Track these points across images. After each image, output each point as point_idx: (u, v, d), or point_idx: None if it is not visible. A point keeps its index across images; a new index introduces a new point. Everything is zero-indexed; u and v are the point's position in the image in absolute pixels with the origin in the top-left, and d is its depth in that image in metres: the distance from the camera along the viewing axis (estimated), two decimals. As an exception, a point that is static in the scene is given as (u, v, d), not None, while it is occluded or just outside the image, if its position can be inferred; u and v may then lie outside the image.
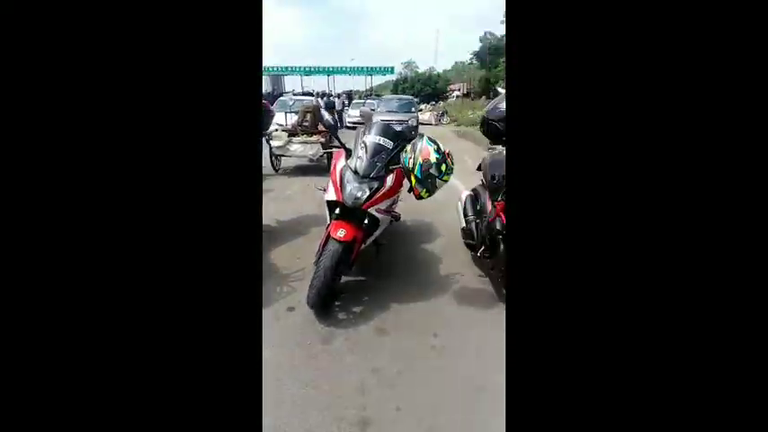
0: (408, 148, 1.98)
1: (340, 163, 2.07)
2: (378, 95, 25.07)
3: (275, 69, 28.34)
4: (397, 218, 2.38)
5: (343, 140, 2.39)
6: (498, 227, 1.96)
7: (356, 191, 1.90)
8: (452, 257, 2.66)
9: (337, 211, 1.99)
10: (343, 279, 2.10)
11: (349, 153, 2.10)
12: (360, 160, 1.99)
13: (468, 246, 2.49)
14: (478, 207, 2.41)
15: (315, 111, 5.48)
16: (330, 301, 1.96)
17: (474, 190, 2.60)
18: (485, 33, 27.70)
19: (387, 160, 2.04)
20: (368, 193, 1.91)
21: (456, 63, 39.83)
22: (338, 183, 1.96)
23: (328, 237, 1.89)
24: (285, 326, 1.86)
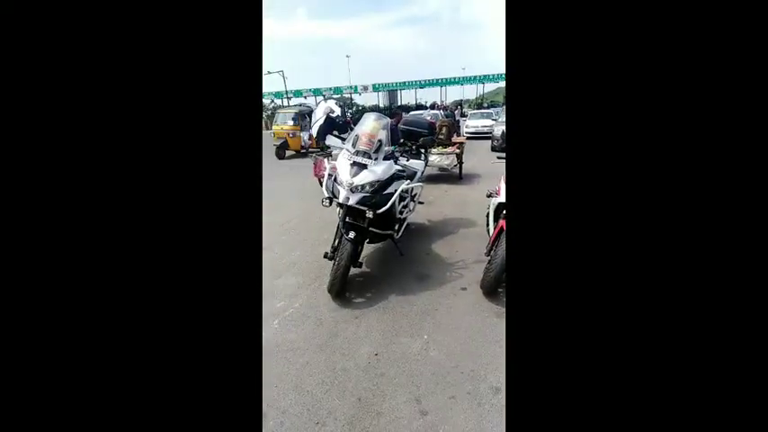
0: None
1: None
2: (486, 105, 24.63)
3: (392, 85, 30.37)
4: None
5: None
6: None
7: None
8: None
9: (504, 211, 2.44)
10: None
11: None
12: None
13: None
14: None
15: (450, 125, 6.06)
16: (497, 287, 2.40)
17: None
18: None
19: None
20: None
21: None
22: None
23: (500, 232, 2.34)
24: (462, 302, 2.38)
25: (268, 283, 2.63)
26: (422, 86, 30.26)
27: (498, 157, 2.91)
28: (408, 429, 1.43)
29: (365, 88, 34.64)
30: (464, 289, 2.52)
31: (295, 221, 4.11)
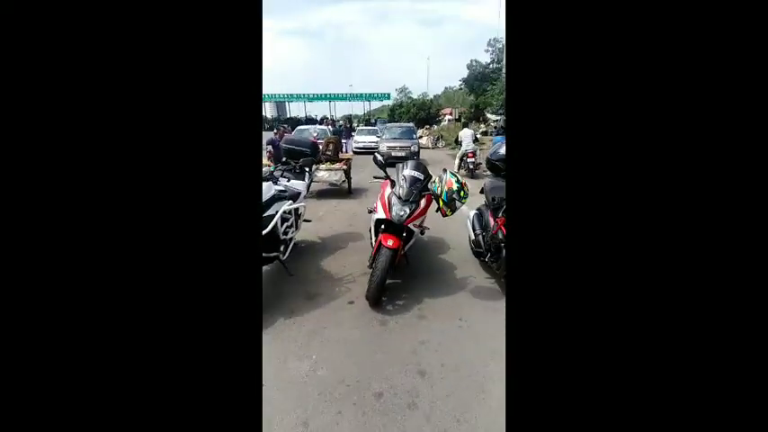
0: (436, 179, 2.71)
1: (387, 191, 2.77)
2: (374, 121, 26.10)
3: (280, 96, 29.53)
4: (423, 231, 3.06)
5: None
6: (500, 237, 2.68)
7: (400, 211, 2.59)
8: (464, 264, 3.33)
9: (383, 226, 2.67)
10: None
11: (393, 183, 2.80)
12: (401, 189, 2.69)
13: (476, 254, 3.18)
14: (483, 223, 3.10)
15: (336, 141, 6.25)
16: (380, 296, 2.60)
17: (479, 209, 3.30)
18: (471, 61, 29.03)
19: (420, 188, 2.74)
20: (408, 213, 2.60)
21: (446, 89, 41.64)
22: (387, 205, 2.65)
23: (380, 246, 2.55)
24: (350, 315, 2.50)
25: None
26: (311, 100, 30.30)
27: (375, 177, 3.16)
28: (295, 453, 1.45)
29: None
30: (351, 303, 2.64)
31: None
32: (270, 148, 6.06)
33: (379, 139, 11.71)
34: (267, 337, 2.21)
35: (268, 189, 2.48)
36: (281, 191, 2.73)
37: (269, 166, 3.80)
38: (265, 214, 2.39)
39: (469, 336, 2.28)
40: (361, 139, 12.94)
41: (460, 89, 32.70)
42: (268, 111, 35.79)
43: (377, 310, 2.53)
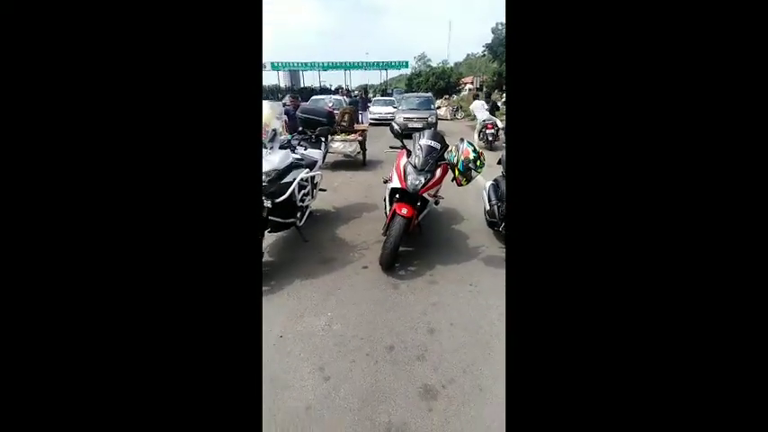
0: (452, 148, 2.72)
1: (402, 160, 2.80)
2: (390, 91, 25.48)
3: (294, 65, 29.06)
4: (437, 202, 3.10)
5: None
6: None
7: (415, 180, 2.63)
8: (477, 234, 3.37)
9: (397, 195, 2.73)
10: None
11: (409, 153, 2.83)
12: (417, 158, 2.71)
13: (490, 224, 3.21)
14: (499, 194, 3.11)
15: (351, 112, 6.22)
16: (393, 262, 2.70)
17: (495, 180, 3.30)
18: (496, 24, 27.43)
19: (437, 158, 2.76)
20: (423, 182, 2.64)
21: (468, 56, 39.92)
22: (402, 175, 2.69)
23: (394, 213, 2.62)
24: (363, 279, 2.61)
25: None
26: (325, 68, 29.62)
27: (391, 147, 3.18)
28: (313, 394, 1.60)
29: (263, 66, 32.47)
30: (365, 267, 2.76)
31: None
32: (285, 117, 6.10)
33: (395, 109, 11.51)
34: (284, 295, 2.36)
35: (285, 157, 2.55)
36: (297, 159, 2.80)
37: (285, 135, 3.86)
38: (283, 181, 2.48)
39: (479, 299, 2.36)
40: (377, 109, 12.74)
41: (483, 56, 31.26)
42: (281, 80, 35.38)
43: (389, 274, 2.64)
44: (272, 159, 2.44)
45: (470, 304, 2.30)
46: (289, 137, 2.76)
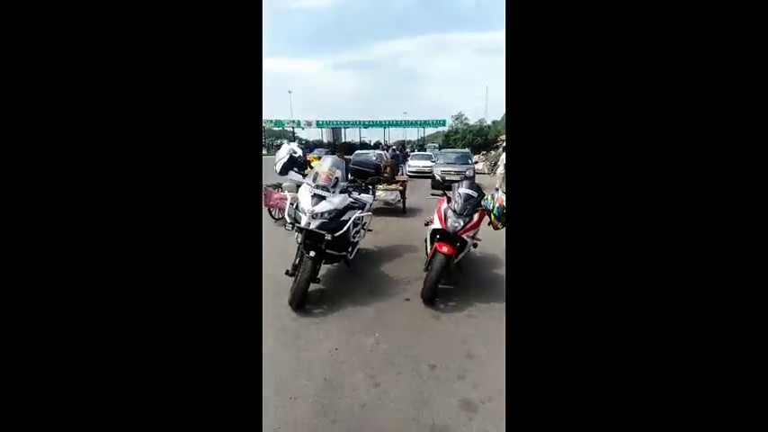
0: (489, 196, 3.06)
1: (443, 206, 3.16)
2: (423, 145, 26.54)
3: (335, 123, 31.67)
4: (475, 245, 3.37)
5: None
6: None
7: (455, 222, 2.96)
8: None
9: (438, 236, 3.05)
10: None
11: (449, 200, 3.19)
12: (457, 204, 3.07)
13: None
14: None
15: (393, 165, 6.83)
16: (434, 296, 2.94)
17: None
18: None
19: (474, 204, 3.09)
20: (462, 224, 2.95)
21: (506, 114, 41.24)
22: (443, 218, 3.03)
23: (435, 251, 2.92)
24: (406, 309, 2.86)
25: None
26: (365, 126, 32.05)
27: (432, 194, 3.57)
28: (366, 396, 1.83)
29: (309, 123, 35.63)
30: (408, 300, 3.01)
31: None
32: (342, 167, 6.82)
33: (433, 163, 12.18)
34: (336, 317, 2.65)
35: (344, 199, 3.00)
36: (352, 201, 3.24)
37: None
38: (341, 219, 2.90)
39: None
40: (414, 163, 13.50)
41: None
42: (324, 136, 38.33)
43: (430, 307, 2.87)
44: (334, 201, 2.88)
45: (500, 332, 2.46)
46: (344, 184, 3.23)
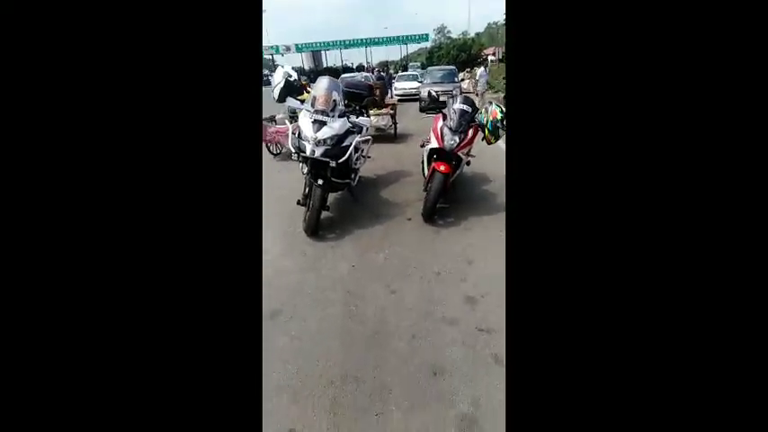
0: (482, 110, 3.12)
1: (439, 123, 3.23)
2: (407, 65, 25.05)
3: (317, 45, 29.16)
4: (468, 162, 3.53)
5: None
6: None
7: (451, 140, 3.07)
8: (503, 192, 3.78)
9: (435, 156, 3.17)
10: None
11: (444, 117, 3.25)
12: (452, 120, 3.14)
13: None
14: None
15: (382, 87, 6.59)
16: (433, 214, 3.17)
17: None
18: (520, -10, 26.11)
19: (469, 119, 3.17)
20: (458, 141, 3.07)
21: (489, 25, 38.49)
22: (440, 136, 3.13)
23: (433, 171, 3.07)
24: (409, 228, 3.12)
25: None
26: (346, 47, 29.62)
27: (427, 112, 3.60)
28: (384, 301, 2.15)
29: (287, 48, 32.74)
30: (409, 219, 3.26)
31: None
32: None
33: (420, 84, 11.70)
34: (348, 239, 2.91)
35: (344, 123, 3.00)
36: (351, 126, 3.26)
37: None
38: (343, 144, 2.96)
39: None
40: (401, 85, 12.92)
41: (504, 25, 30.09)
42: (305, 62, 35.56)
43: (430, 224, 3.13)
44: (335, 125, 2.90)
45: (501, 244, 2.76)
46: (342, 107, 3.20)
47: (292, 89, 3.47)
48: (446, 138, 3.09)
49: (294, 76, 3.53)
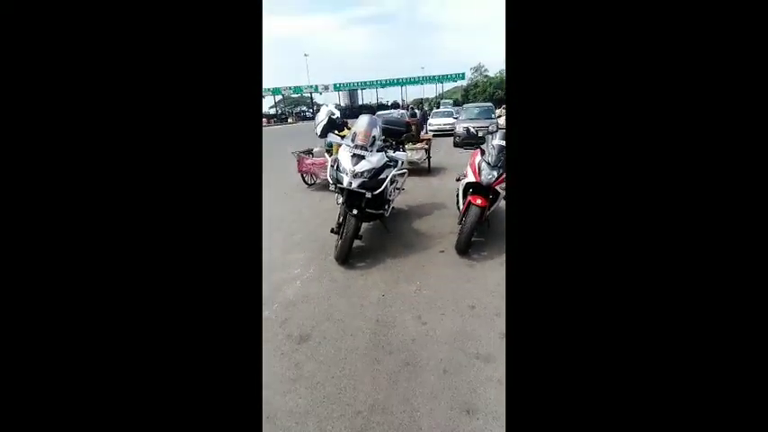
0: None
1: (477, 158, 3.25)
2: (440, 102, 25.76)
3: (353, 85, 30.93)
4: (505, 197, 3.49)
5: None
6: None
7: (488, 175, 3.06)
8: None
9: (471, 190, 3.17)
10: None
11: (483, 152, 3.27)
12: (490, 156, 3.15)
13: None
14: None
15: (417, 123, 6.80)
16: (467, 248, 3.12)
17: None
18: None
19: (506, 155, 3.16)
20: (495, 176, 3.06)
21: (528, 64, 38.84)
22: (477, 170, 3.14)
23: (469, 204, 3.06)
24: (442, 260, 3.08)
25: (281, 257, 3.18)
26: (383, 86, 31.13)
27: (465, 147, 3.64)
28: (414, 332, 2.09)
29: (326, 88, 35.04)
30: (442, 252, 3.22)
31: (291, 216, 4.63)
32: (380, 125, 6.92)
33: (454, 120, 11.92)
34: (379, 268, 2.91)
35: (382, 158, 3.13)
36: (388, 160, 3.37)
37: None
38: (379, 177, 3.05)
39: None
40: (435, 121, 13.21)
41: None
42: (342, 99, 37.67)
43: (464, 257, 3.07)
44: (372, 159, 3.02)
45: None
46: (380, 143, 3.35)
47: (334, 126, 3.70)
48: (484, 172, 3.09)
49: (337, 114, 3.77)
